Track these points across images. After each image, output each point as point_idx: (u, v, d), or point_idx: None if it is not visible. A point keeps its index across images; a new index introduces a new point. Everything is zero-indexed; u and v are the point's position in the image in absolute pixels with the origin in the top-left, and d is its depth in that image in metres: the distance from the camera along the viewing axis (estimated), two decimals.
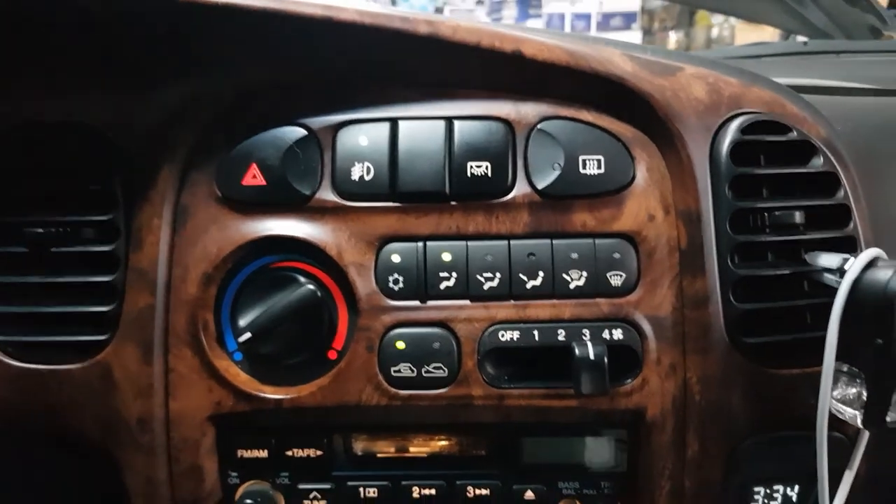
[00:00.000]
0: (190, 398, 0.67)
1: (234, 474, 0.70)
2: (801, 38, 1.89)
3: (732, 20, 4.10)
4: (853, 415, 0.59)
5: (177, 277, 0.67)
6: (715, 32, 4.35)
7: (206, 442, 0.68)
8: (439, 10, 5.11)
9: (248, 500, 0.67)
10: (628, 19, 4.69)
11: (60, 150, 0.69)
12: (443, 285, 0.66)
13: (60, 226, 0.68)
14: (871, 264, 0.58)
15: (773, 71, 0.79)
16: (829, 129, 0.70)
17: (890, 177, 0.76)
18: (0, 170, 0.70)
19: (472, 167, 0.66)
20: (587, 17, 4.68)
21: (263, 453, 0.70)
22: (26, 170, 0.70)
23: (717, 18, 4.29)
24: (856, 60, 1.47)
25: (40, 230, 0.68)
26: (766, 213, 0.65)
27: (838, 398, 0.60)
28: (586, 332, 0.65)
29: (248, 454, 0.70)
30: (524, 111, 0.68)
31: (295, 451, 0.70)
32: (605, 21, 4.69)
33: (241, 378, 0.68)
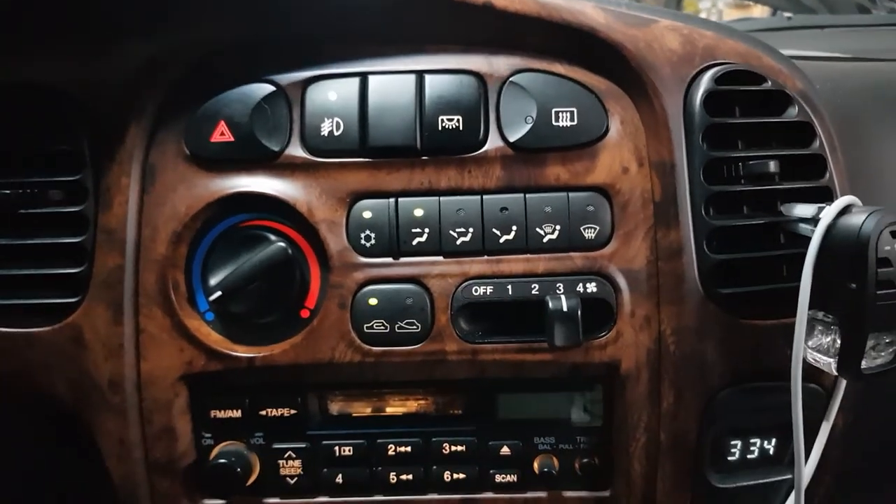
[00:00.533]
0: (161, 358, 0.66)
1: (208, 435, 0.70)
2: (786, 15, 1.89)
3: (720, 5, 4.10)
4: (828, 363, 0.58)
5: (146, 237, 0.66)
6: (702, 17, 4.35)
7: (178, 402, 0.68)
8: None
9: (223, 461, 0.67)
10: None
11: (26, 110, 0.68)
12: (415, 241, 0.66)
13: (28, 187, 0.67)
14: (844, 211, 0.58)
15: None
16: (806, 81, 0.69)
17: (867, 134, 0.76)
18: None
19: (443, 121, 0.66)
20: None
21: (237, 413, 0.69)
22: None
23: (705, 3, 4.28)
24: (839, 32, 1.46)
25: (7, 192, 0.67)
26: (740, 164, 0.65)
27: (813, 347, 0.60)
28: (560, 285, 0.65)
29: (221, 414, 0.69)
30: (496, 64, 0.67)
31: (269, 410, 0.69)
32: None
33: (213, 337, 0.67)
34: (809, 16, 1.71)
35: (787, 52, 1.02)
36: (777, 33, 1.56)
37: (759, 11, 2.84)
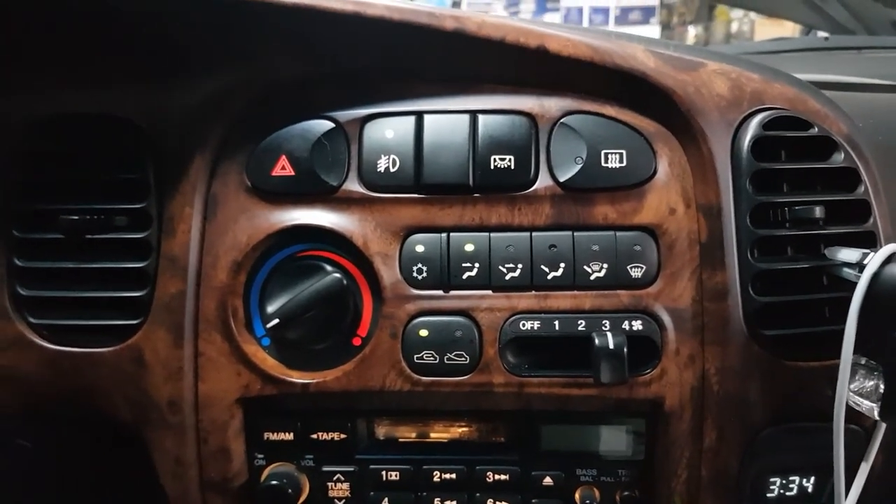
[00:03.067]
0: (219, 381, 0.69)
1: (261, 456, 0.72)
2: (821, 34, 1.88)
3: (752, 15, 4.07)
4: (870, 407, 0.59)
5: (207, 265, 0.69)
6: (734, 27, 4.32)
7: (234, 424, 0.70)
8: (456, 5, 5.10)
9: (274, 482, 0.69)
10: (647, 13, 4.65)
11: (95, 139, 0.71)
12: (465, 275, 0.68)
13: (95, 213, 0.70)
14: (890, 259, 0.59)
15: (794, 66, 0.79)
16: (851, 125, 0.70)
17: None
18: (37, 159, 0.72)
19: (495, 160, 0.68)
20: (605, 10, 4.65)
21: (289, 436, 0.72)
22: (62, 159, 0.72)
23: (737, 13, 4.26)
24: (878, 56, 1.46)
25: (75, 217, 0.70)
26: (786, 208, 0.66)
27: (855, 391, 0.61)
28: (606, 322, 0.66)
29: (274, 437, 0.72)
30: (547, 105, 0.69)
31: (320, 434, 0.71)
32: (624, 15, 4.66)
33: (269, 363, 0.70)
34: (846, 37, 1.71)
35: (825, 76, 1.02)
36: (814, 54, 1.56)
37: (792, 25, 2.83)
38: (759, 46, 1.80)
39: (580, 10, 4.61)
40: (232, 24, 0.65)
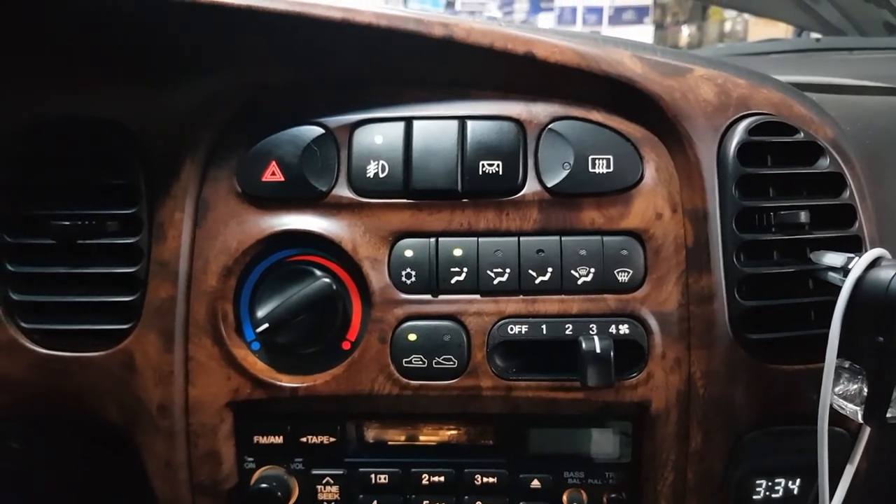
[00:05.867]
0: (209, 385, 0.70)
1: (251, 459, 0.73)
2: (814, 35, 1.89)
3: (746, 15, 4.08)
4: (854, 410, 0.60)
5: (198, 269, 0.70)
6: (728, 27, 4.34)
7: (223, 428, 0.71)
8: (451, 4, 5.11)
9: (264, 485, 0.70)
10: (640, 13, 4.66)
11: (86, 144, 0.71)
12: (454, 280, 0.68)
13: (86, 219, 0.71)
14: (874, 263, 0.59)
15: (785, 68, 0.80)
16: (837, 129, 0.71)
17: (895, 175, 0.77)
18: (27, 163, 0.72)
19: (483, 166, 0.68)
20: (599, 10, 4.66)
21: (279, 439, 0.72)
22: (53, 163, 0.72)
23: (731, 13, 4.27)
24: (869, 58, 1.47)
25: (66, 223, 0.70)
26: (772, 213, 0.67)
27: (840, 394, 0.61)
28: (593, 326, 0.67)
29: (264, 440, 0.72)
30: (535, 111, 0.69)
31: (309, 437, 0.72)
32: (618, 15, 4.67)
33: (259, 367, 0.70)
34: (838, 38, 1.72)
35: (816, 78, 1.03)
36: (805, 55, 1.57)
37: (786, 25, 2.84)
38: (751, 48, 1.80)
39: (574, 10, 4.62)
40: (222, 30, 0.65)
